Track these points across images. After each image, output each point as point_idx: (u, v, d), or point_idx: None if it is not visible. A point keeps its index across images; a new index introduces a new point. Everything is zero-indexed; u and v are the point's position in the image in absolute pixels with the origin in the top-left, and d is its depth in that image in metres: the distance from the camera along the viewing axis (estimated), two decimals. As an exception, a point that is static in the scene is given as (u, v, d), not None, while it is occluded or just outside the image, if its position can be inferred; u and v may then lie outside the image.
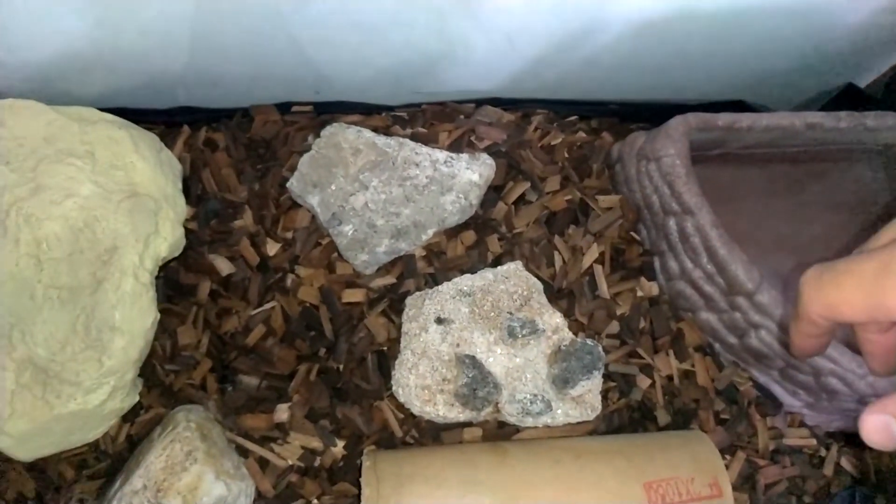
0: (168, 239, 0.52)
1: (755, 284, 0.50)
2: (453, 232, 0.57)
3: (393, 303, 0.55)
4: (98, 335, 0.47)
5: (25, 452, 0.48)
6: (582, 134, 0.60)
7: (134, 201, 0.50)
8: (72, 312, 0.47)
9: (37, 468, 0.52)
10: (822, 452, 0.57)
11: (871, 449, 0.58)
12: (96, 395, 0.48)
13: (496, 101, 0.59)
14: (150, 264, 0.50)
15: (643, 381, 0.53)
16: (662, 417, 0.53)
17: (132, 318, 0.49)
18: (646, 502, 0.46)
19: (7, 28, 0.50)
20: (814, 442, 0.56)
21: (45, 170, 0.50)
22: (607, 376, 0.53)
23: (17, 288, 0.47)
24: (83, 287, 0.48)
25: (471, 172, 0.56)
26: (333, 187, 0.55)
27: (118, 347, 0.48)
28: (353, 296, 0.55)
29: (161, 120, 0.59)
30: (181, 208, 0.54)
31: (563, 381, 0.50)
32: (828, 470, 0.56)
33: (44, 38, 0.52)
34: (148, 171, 0.52)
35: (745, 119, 0.54)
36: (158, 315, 0.50)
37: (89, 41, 0.52)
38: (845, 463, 0.57)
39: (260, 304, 0.55)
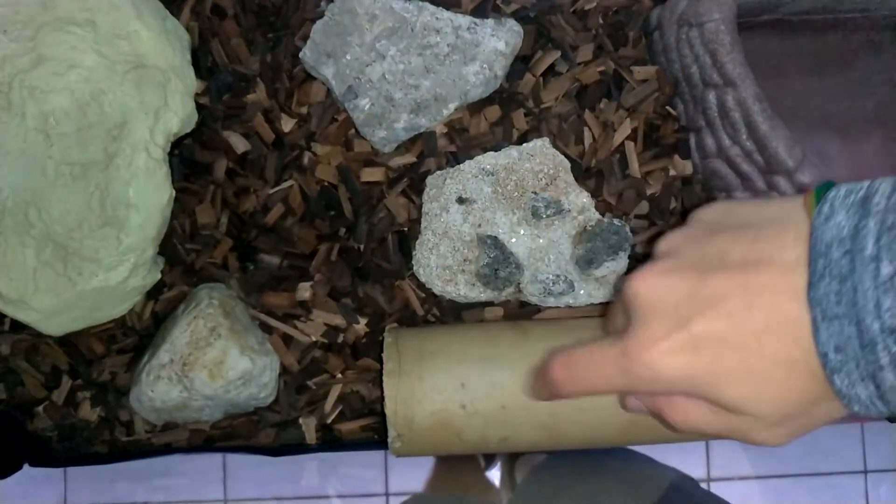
0: (179, 113, 0.50)
1: (796, 162, 0.47)
2: (477, 107, 0.54)
3: (413, 182, 0.53)
4: (114, 212, 0.47)
5: (53, 327, 0.49)
6: (619, -3, 0.55)
7: (140, 73, 0.48)
8: (85, 189, 0.46)
9: (68, 343, 0.53)
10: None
11: None
12: (117, 272, 0.48)
13: (525, -40, 0.54)
14: (161, 139, 0.48)
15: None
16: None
17: (147, 194, 0.47)
18: (667, 381, 0.46)
19: None
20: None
21: (46, 39, 0.47)
22: (634, 258, 0.52)
23: (28, 164, 0.46)
24: (95, 163, 0.46)
25: (496, 40, 0.52)
26: (348, 57, 0.52)
27: (135, 224, 0.47)
28: (372, 175, 0.53)
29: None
30: (191, 81, 0.51)
31: (586, 262, 0.49)
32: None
33: None
34: (153, 40, 0.49)
35: (802, -21, 0.49)
36: (174, 192, 0.49)
37: None
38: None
39: (277, 183, 0.54)
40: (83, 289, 0.47)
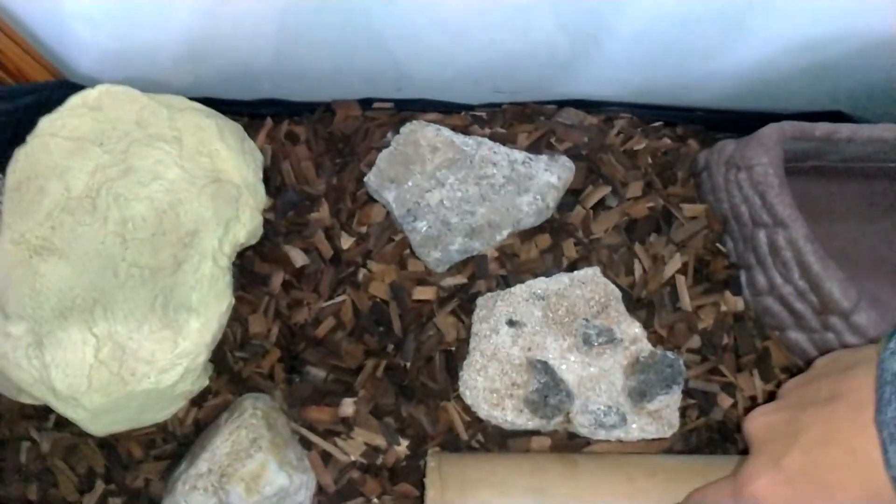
0: (247, 226, 0.52)
1: (852, 304, 0.46)
2: (528, 234, 0.55)
3: (463, 302, 0.54)
4: (175, 316, 0.48)
5: (99, 427, 0.49)
6: (667, 140, 0.58)
7: (217, 187, 0.51)
8: (151, 292, 0.48)
9: (107, 445, 0.53)
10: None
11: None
12: (169, 376, 0.48)
13: (578, 104, 0.58)
14: (228, 249, 0.51)
15: (724, 401, 0.51)
16: (743, 439, 0.50)
17: (209, 300, 0.49)
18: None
19: (111, 15, 0.52)
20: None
21: (136, 152, 0.51)
22: (686, 393, 0.50)
23: (102, 264, 0.48)
24: (164, 267, 0.49)
25: (549, 174, 0.54)
26: (410, 183, 0.55)
27: (193, 329, 0.48)
28: (424, 293, 0.54)
29: (245, 111, 0.60)
30: (261, 197, 0.55)
31: (639, 394, 0.48)
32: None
33: (142, 26, 0.54)
34: (231, 158, 0.53)
35: (844, 130, 0.51)
36: (233, 300, 0.51)
37: (182, 31, 0.54)
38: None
39: (331, 297, 0.55)
40: (134, 389, 0.47)
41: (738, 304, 0.53)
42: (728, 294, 0.53)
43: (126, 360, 0.48)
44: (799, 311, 0.49)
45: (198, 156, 0.52)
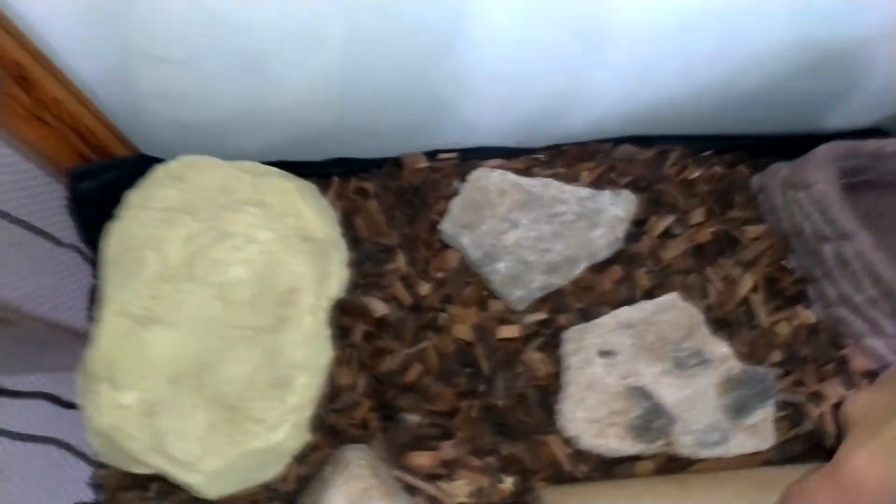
0: (337, 279, 0.54)
1: (926, 306, 0.49)
2: (600, 267, 0.58)
3: (548, 338, 0.56)
4: (282, 373, 0.49)
5: (213, 490, 0.49)
6: (718, 168, 0.61)
7: (310, 245, 0.53)
8: (257, 351, 0.49)
9: (214, 509, 0.53)
10: None
11: None
12: (278, 433, 0.49)
13: (632, 139, 0.61)
14: (324, 303, 0.52)
15: (812, 410, 0.52)
16: (835, 446, 0.52)
17: (312, 355, 0.50)
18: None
19: (190, 92, 0.54)
20: None
21: (226, 218, 0.53)
22: (776, 405, 0.52)
23: (206, 329, 0.50)
24: (267, 327, 0.50)
25: (615, 208, 0.57)
26: (484, 227, 0.57)
27: (300, 385, 0.49)
28: (508, 332, 0.56)
29: (312, 172, 0.62)
30: (344, 251, 0.57)
31: (736, 410, 0.49)
32: None
33: (212, 98, 0.56)
34: (314, 217, 0.55)
35: (892, 144, 0.55)
36: (333, 353, 0.52)
37: (251, 101, 0.56)
38: None
39: (414, 343, 0.57)
40: (246, 450, 0.48)
41: (810, 316, 0.56)
42: (799, 308, 0.56)
43: (237, 420, 0.48)
44: (873, 318, 0.52)
45: (284, 217, 0.54)
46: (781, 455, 0.51)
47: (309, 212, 0.55)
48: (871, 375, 0.54)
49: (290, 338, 0.50)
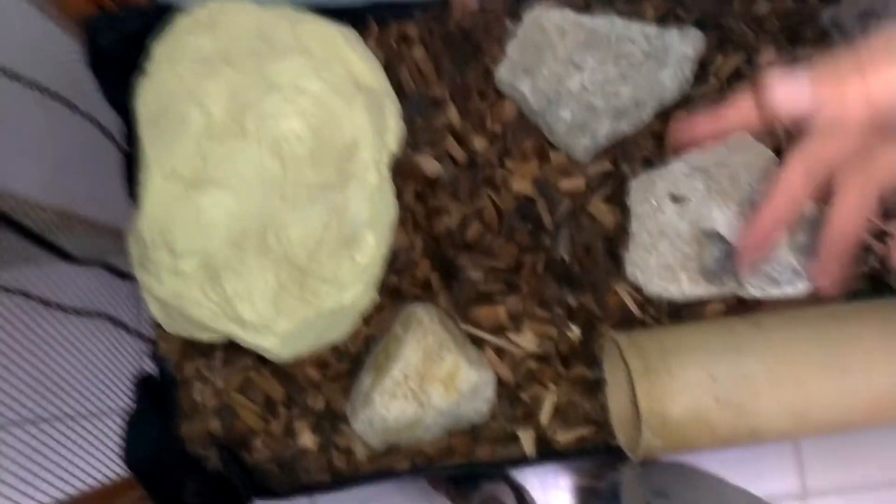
0: (396, 133, 0.51)
1: None
2: (665, 113, 0.55)
3: (614, 187, 0.54)
4: (350, 231, 0.47)
5: (287, 351, 0.49)
6: (788, 1, 0.57)
7: (365, 94, 0.49)
8: (322, 210, 0.47)
9: (281, 372, 0.53)
10: None
11: None
12: (350, 293, 0.48)
13: (698, -29, 0.56)
14: (386, 158, 0.49)
15: (878, 247, 0.52)
16: (898, 283, 0.53)
17: (379, 213, 0.48)
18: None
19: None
20: None
21: (270, 68, 0.48)
22: (845, 245, 0.52)
23: (265, 188, 0.47)
24: (330, 184, 0.47)
25: (684, 46, 0.53)
26: (546, 72, 0.53)
27: (370, 243, 0.47)
28: (572, 184, 0.54)
29: (347, 17, 0.57)
30: (397, 102, 0.53)
31: (808, 249, 0.49)
32: None
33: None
34: (363, 65, 0.51)
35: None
36: (398, 209, 0.50)
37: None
38: None
39: (472, 201, 0.55)
40: (319, 311, 0.47)
41: (880, 155, 0.54)
42: (870, 147, 0.54)
43: (307, 281, 0.47)
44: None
45: (332, 65, 0.50)
46: (845, 293, 0.52)
47: (357, 59, 0.51)
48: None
49: (354, 195, 0.47)
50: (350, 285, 0.47)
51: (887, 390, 0.46)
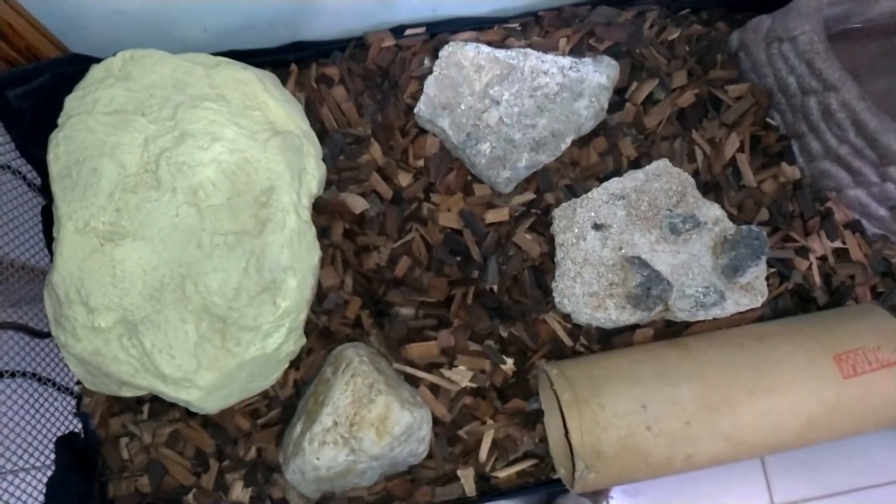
0: (316, 175, 0.50)
1: (910, 151, 0.49)
2: (583, 141, 0.56)
3: (538, 217, 0.54)
4: (270, 277, 0.46)
5: (212, 404, 0.47)
6: (697, 26, 0.58)
7: (280, 138, 0.49)
8: (241, 257, 0.46)
9: (211, 423, 0.51)
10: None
11: None
12: (274, 339, 0.47)
13: (609, 1, 0.57)
14: (306, 201, 0.49)
15: (801, 264, 0.53)
16: (821, 297, 0.53)
17: (300, 256, 0.47)
18: (838, 373, 0.47)
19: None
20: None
21: (185, 116, 0.48)
22: (766, 262, 0.53)
23: (182, 238, 0.46)
24: (247, 230, 0.47)
25: (598, 75, 0.54)
26: (463, 107, 0.53)
27: (291, 287, 0.47)
28: (497, 216, 0.54)
29: (267, 60, 0.57)
30: (317, 144, 0.53)
31: (732, 270, 0.50)
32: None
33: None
34: (280, 108, 0.51)
35: (875, -12, 0.53)
36: (321, 253, 0.49)
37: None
38: None
39: (400, 237, 0.54)
40: (242, 360, 0.46)
41: (794, 172, 0.56)
42: (784, 165, 0.56)
43: (228, 330, 0.46)
44: (857, 168, 0.52)
45: (248, 110, 0.49)
46: (772, 311, 0.53)
47: (273, 103, 0.50)
48: (854, 226, 0.55)
49: (273, 239, 0.46)
50: (273, 331, 0.46)
51: (817, 409, 0.47)
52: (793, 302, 0.53)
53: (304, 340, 0.51)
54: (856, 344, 0.48)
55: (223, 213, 0.46)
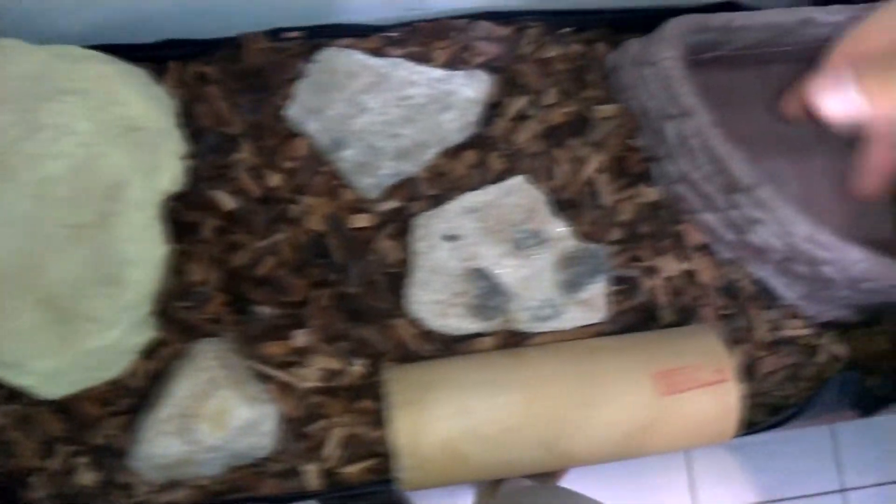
0: (169, 172, 0.51)
1: (754, 180, 0.51)
2: (454, 152, 0.57)
3: (401, 225, 0.55)
4: (112, 270, 0.48)
5: (52, 390, 0.49)
6: (577, 46, 0.60)
7: (133, 136, 0.49)
8: (85, 249, 0.47)
9: (63, 409, 0.53)
10: (817, 341, 0.59)
11: (861, 335, 0.61)
12: (115, 331, 0.48)
13: (490, 15, 0.58)
14: (155, 197, 0.50)
15: (647, 283, 0.55)
16: (667, 316, 0.55)
17: (144, 251, 0.49)
18: (656, 391, 0.49)
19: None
20: (810, 332, 0.59)
21: (41, 108, 0.48)
22: (613, 280, 0.55)
23: (24, 229, 0.47)
24: (92, 223, 0.48)
25: (468, 89, 0.55)
26: (332, 112, 0.55)
27: (133, 281, 0.48)
28: (361, 220, 0.55)
29: (148, 55, 0.57)
30: (178, 141, 0.53)
31: (570, 286, 0.51)
32: (821, 357, 0.59)
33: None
34: (141, 105, 0.51)
35: (739, 18, 0.54)
36: (166, 248, 0.51)
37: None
38: (837, 350, 0.60)
39: (266, 236, 0.56)
40: (82, 349, 0.47)
41: (652, 194, 0.57)
42: (643, 186, 0.57)
43: (70, 320, 0.47)
44: (707, 193, 0.54)
45: (107, 106, 0.50)
46: (615, 326, 0.54)
47: (135, 99, 0.51)
48: (705, 249, 0.57)
49: (118, 234, 0.48)
50: (114, 323, 0.48)
51: (633, 424, 0.49)
52: (638, 319, 0.55)
53: (152, 334, 0.52)
54: (678, 363, 0.49)
55: (69, 205, 0.47)
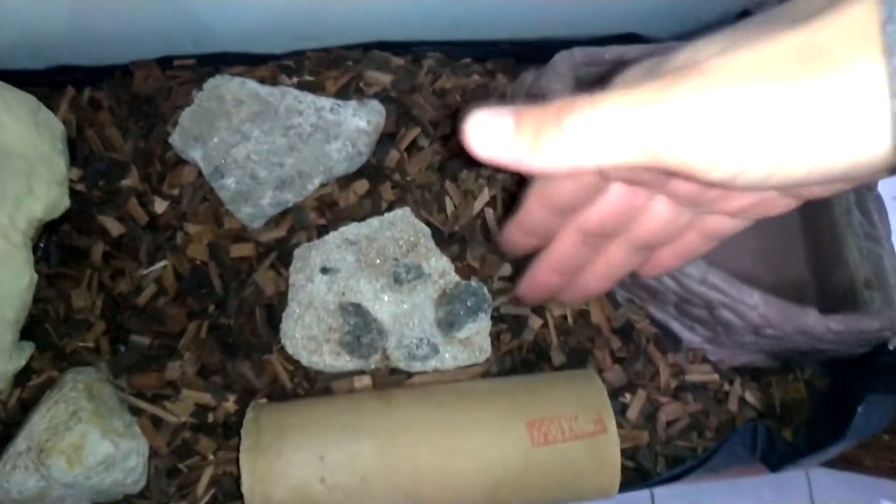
0: (44, 199, 0.51)
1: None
2: (346, 181, 0.56)
3: (282, 255, 0.54)
4: (-33, 298, 0.47)
5: None
6: (476, 77, 0.58)
7: (6, 161, 0.49)
8: (-62, 276, 0.46)
9: (-75, 437, 0.51)
10: (726, 388, 0.56)
11: (775, 382, 0.58)
12: (-29, 360, 0.47)
13: (385, 46, 0.57)
14: (22, 224, 0.49)
15: (535, 322, 0.53)
16: (557, 357, 0.53)
17: (4, 279, 0.48)
18: (528, 440, 0.46)
19: None
20: (716, 377, 0.56)
21: None
22: (499, 318, 0.52)
23: None
24: (-52, 250, 0.47)
25: (358, 119, 0.54)
26: (216, 140, 0.54)
27: (-10, 310, 0.47)
28: (242, 250, 0.54)
29: (44, 81, 0.57)
30: (59, 169, 0.53)
31: (448, 324, 0.49)
32: (731, 405, 0.56)
33: None
34: (19, 131, 0.51)
35: (633, 51, 0.53)
36: (35, 276, 0.50)
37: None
38: (749, 397, 0.57)
39: (151, 264, 0.55)
40: (-66, 378, 0.46)
41: (547, 230, 0.55)
42: (537, 221, 0.55)
43: (-80, 349, 0.46)
44: (597, 230, 0.52)
45: (-21, 131, 0.50)
46: (500, 367, 0.52)
47: (13, 124, 0.51)
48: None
49: (-27, 262, 0.47)
50: (-30, 353, 0.47)
51: (503, 474, 0.46)
52: (526, 360, 0.53)
53: (21, 362, 0.51)
54: (554, 411, 0.47)
55: (-74, 231, 0.47)
